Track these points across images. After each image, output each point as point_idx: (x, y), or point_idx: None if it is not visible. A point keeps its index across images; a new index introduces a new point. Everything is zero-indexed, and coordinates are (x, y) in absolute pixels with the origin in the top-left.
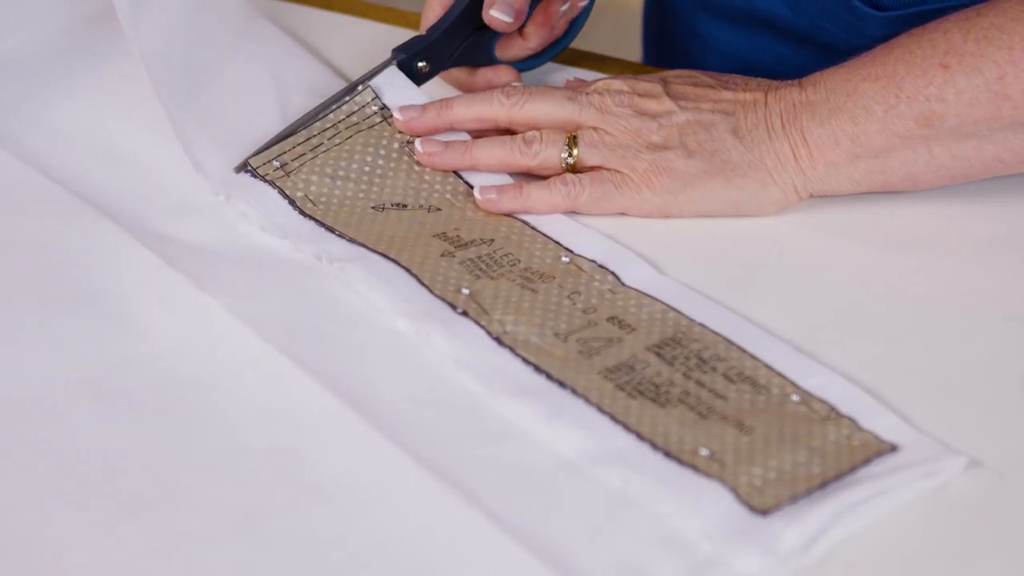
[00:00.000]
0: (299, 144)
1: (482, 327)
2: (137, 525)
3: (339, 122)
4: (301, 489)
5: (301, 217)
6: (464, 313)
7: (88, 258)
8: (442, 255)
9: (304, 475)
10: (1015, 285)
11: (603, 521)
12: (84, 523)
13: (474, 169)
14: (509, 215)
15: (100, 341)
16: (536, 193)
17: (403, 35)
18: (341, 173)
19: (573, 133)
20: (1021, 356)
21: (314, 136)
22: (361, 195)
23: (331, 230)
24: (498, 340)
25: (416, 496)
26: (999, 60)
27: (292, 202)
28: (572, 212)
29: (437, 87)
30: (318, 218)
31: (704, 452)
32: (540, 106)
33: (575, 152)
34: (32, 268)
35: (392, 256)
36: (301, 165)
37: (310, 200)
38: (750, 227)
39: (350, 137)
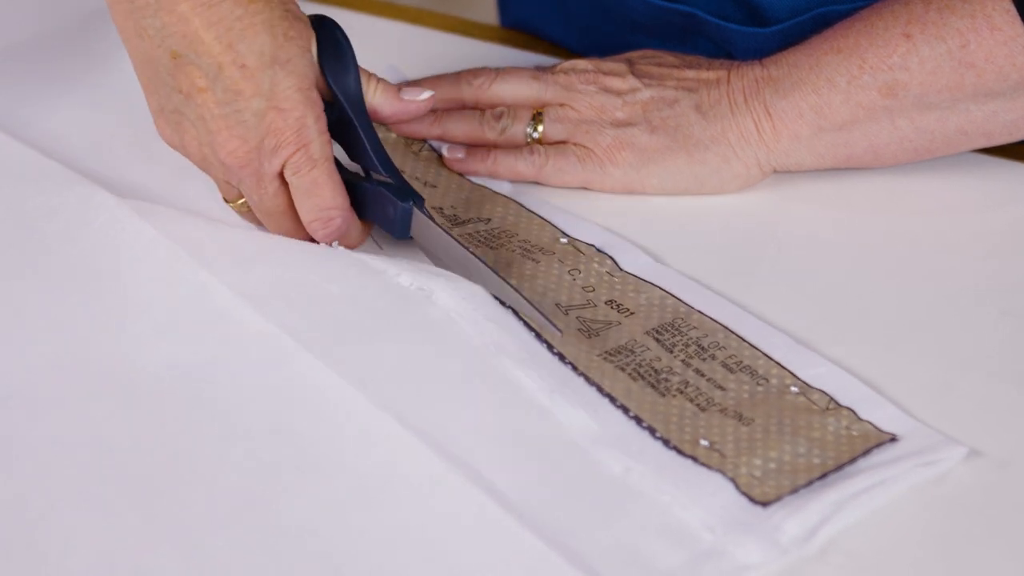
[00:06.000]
0: None
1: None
2: (140, 510)
3: None
4: (304, 471)
5: None
6: None
7: (85, 234)
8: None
9: (307, 457)
10: (1013, 279)
11: (608, 506)
12: (86, 509)
13: (442, 139)
14: (502, 195)
15: (99, 323)
16: (502, 158)
17: (403, 32)
18: None
19: (539, 110)
20: (1018, 348)
21: None
22: None
23: None
24: (500, 301)
25: (421, 478)
26: (961, 28)
27: None
28: (535, 182)
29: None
30: None
31: (704, 443)
32: (506, 86)
33: (540, 128)
34: (29, 246)
35: None
36: None
37: None
38: (749, 220)
39: None
